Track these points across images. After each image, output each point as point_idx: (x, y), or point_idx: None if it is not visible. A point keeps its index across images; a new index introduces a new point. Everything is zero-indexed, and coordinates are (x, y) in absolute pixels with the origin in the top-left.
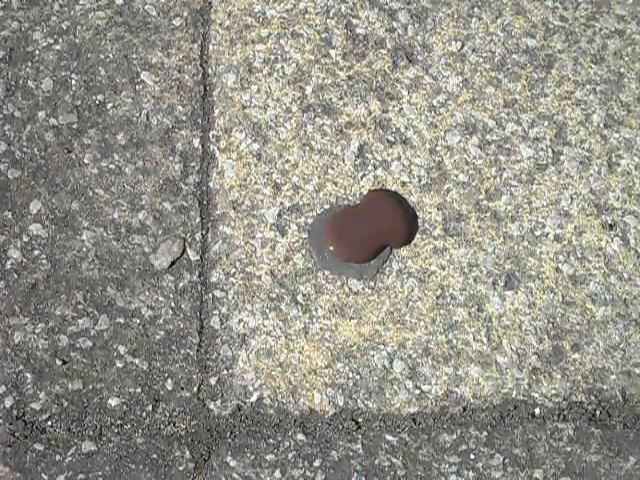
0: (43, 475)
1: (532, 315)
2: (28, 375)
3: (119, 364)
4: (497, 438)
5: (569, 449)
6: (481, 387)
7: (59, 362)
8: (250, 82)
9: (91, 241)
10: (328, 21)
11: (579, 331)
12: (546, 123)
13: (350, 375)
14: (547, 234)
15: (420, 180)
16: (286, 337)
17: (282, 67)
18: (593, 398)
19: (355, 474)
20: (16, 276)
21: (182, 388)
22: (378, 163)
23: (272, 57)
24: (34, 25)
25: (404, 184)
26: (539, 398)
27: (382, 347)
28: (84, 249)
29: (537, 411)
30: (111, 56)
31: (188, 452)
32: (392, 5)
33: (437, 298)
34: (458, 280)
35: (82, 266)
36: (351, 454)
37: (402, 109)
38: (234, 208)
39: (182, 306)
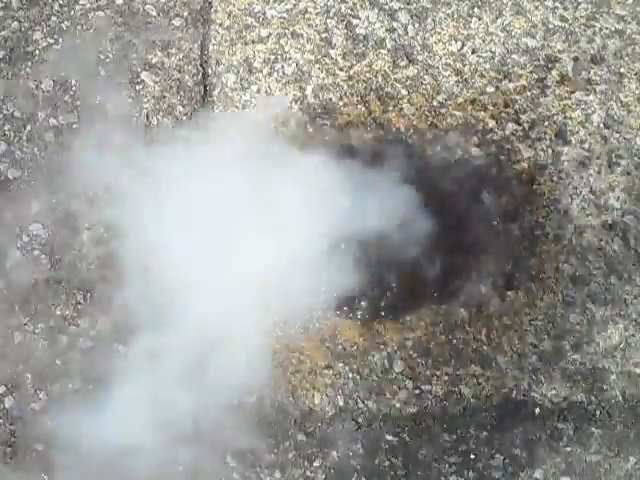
0: (43, 475)
1: (532, 315)
2: (28, 375)
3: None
4: (497, 438)
5: (569, 449)
6: (481, 387)
7: (59, 362)
8: (250, 82)
9: (91, 241)
10: (328, 21)
11: (579, 331)
12: (546, 123)
13: (350, 375)
14: (547, 234)
15: None
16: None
17: (282, 67)
18: (593, 398)
19: (355, 474)
20: (16, 276)
21: None
22: None
23: (272, 57)
24: (34, 25)
25: None
26: (539, 398)
27: (382, 347)
28: (84, 249)
29: (537, 411)
30: (111, 56)
31: None
32: (392, 5)
33: (437, 298)
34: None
35: (82, 266)
36: (351, 454)
37: (402, 109)
38: None
39: None
